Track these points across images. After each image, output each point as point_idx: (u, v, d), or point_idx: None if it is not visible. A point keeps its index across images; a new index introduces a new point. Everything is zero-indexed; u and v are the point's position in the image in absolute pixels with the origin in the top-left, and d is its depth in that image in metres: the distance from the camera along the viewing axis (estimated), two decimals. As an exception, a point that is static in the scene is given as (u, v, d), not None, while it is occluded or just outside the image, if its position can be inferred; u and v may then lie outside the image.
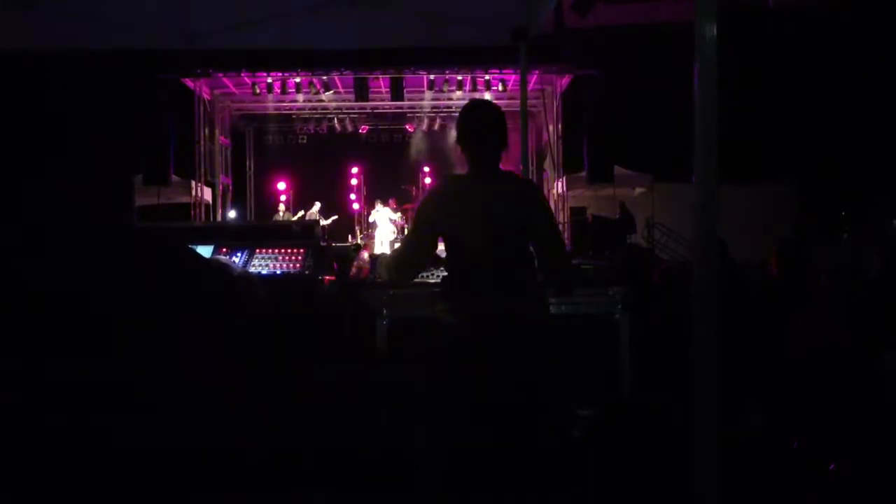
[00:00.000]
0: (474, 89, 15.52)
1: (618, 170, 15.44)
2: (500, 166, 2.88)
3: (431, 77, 15.40)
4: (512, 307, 2.69)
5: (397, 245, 2.93)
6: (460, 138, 2.87)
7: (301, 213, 16.23)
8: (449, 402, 2.72)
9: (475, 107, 2.97)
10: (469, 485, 2.67)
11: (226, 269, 3.23)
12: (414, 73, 15.39)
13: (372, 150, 18.38)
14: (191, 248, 2.12)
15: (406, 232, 3.13)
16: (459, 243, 2.79)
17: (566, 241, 15.09)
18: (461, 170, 2.94)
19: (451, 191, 2.89)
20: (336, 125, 17.91)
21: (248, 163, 18.96)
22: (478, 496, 2.67)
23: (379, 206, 15.27)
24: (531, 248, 2.87)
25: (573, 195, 16.05)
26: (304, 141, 18.64)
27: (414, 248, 2.85)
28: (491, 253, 2.72)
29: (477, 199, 2.76)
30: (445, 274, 2.93)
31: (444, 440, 2.71)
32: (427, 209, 2.84)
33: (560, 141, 15.94)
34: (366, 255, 4.47)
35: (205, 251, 3.65)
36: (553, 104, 16.05)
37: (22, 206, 1.84)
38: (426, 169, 16.85)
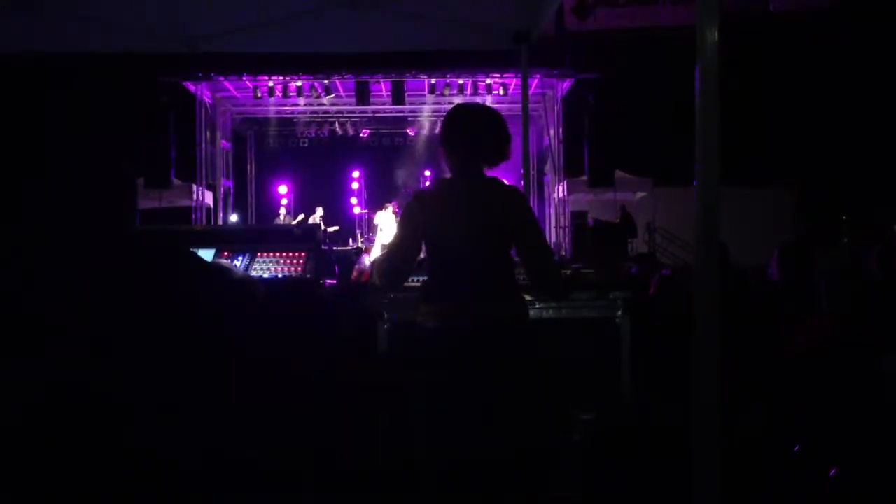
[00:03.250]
0: (475, 93, 15.53)
1: (618, 174, 15.46)
2: (498, 171, 2.87)
3: (433, 81, 15.43)
4: (492, 312, 2.68)
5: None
6: (445, 141, 2.83)
7: (301, 216, 16.24)
8: (430, 405, 2.71)
9: (463, 110, 2.93)
10: (454, 489, 2.67)
11: (227, 272, 3.23)
12: (415, 77, 15.41)
13: (373, 153, 18.40)
14: (192, 252, 2.12)
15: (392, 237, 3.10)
16: (440, 247, 2.77)
17: (568, 245, 15.14)
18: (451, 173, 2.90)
19: (434, 194, 2.86)
20: (337, 129, 17.94)
21: (249, 166, 19.00)
22: (464, 499, 2.67)
23: (389, 208, 15.20)
24: (514, 255, 2.86)
25: (574, 199, 16.05)
26: (305, 144, 18.67)
27: (398, 253, 2.82)
28: (472, 258, 2.71)
29: (459, 204, 2.74)
30: (425, 278, 2.91)
31: (430, 443, 2.71)
32: (410, 213, 2.80)
33: (561, 145, 15.95)
34: (367, 258, 4.47)
35: (206, 255, 3.65)
36: (554, 108, 16.07)
37: (24, 209, 1.85)
38: (427, 173, 16.85)
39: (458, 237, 2.71)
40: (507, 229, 2.75)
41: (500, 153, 2.84)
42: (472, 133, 2.80)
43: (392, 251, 2.87)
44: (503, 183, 2.86)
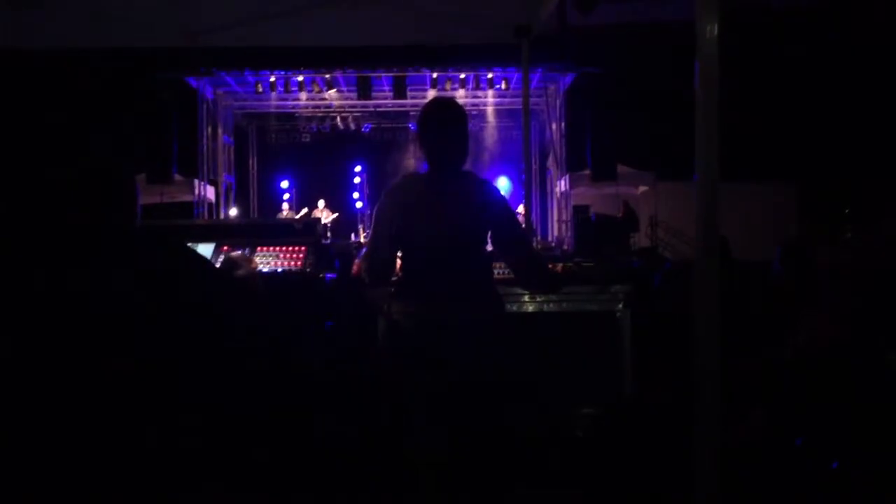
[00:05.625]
0: (477, 87, 15.51)
1: (621, 168, 15.41)
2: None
3: (434, 75, 15.40)
4: (465, 310, 2.66)
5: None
6: (421, 136, 2.83)
7: (304, 210, 16.27)
8: (407, 403, 2.71)
9: (438, 105, 2.92)
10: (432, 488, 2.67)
11: (227, 267, 3.23)
12: (417, 72, 15.38)
13: (375, 148, 18.38)
14: (190, 247, 2.12)
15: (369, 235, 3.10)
16: (413, 244, 2.76)
17: (570, 239, 15.11)
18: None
19: (406, 190, 2.84)
20: (339, 123, 17.92)
21: (250, 161, 18.99)
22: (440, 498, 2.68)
23: None
24: (490, 250, 2.86)
25: (576, 193, 16.01)
26: (307, 139, 18.65)
27: (377, 252, 2.81)
28: (445, 255, 2.69)
29: (432, 200, 2.73)
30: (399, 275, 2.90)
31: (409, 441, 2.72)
32: (383, 210, 2.80)
33: (563, 139, 15.91)
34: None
35: (206, 249, 3.65)
36: (556, 102, 16.03)
37: (25, 206, 1.84)
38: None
39: (430, 234, 2.70)
40: (482, 225, 2.75)
41: (468, 148, 2.84)
42: (449, 128, 2.79)
43: (370, 251, 2.86)
44: (477, 177, 2.85)
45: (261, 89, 15.81)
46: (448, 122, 2.81)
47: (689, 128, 2.40)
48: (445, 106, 2.90)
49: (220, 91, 16.77)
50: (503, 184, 15.47)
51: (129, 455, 1.75)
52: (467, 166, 2.87)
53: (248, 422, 2.07)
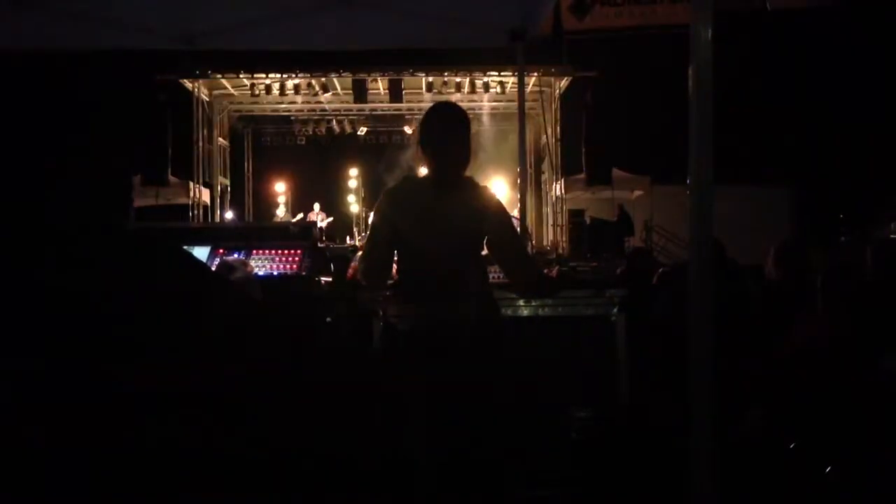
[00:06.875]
0: (473, 91, 15.53)
1: (616, 172, 15.46)
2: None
3: (430, 79, 15.42)
4: (463, 313, 2.66)
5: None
6: (422, 141, 2.81)
7: (300, 215, 16.26)
8: (407, 404, 2.71)
9: (441, 109, 2.92)
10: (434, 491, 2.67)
11: (223, 270, 3.23)
12: (412, 75, 15.41)
13: (370, 151, 18.38)
14: (186, 250, 2.12)
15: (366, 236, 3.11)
16: (412, 247, 2.76)
17: (565, 243, 15.15)
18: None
19: (405, 193, 2.84)
20: (335, 127, 17.92)
21: (246, 164, 18.98)
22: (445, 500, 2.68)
23: None
24: (486, 255, 2.86)
25: (571, 197, 16.06)
26: (303, 142, 18.65)
27: (375, 253, 2.81)
28: (443, 258, 2.69)
29: (431, 204, 2.73)
30: (396, 278, 2.90)
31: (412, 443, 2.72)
32: (382, 211, 2.80)
33: (558, 143, 15.95)
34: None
35: (201, 252, 3.64)
36: (551, 106, 16.06)
37: (26, 206, 1.85)
38: (423, 171, 16.84)
39: (429, 238, 2.70)
40: (479, 230, 2.75)
41: (470, 154, 2.83)
42: (452, 133, 2.79)
43: (367, 252, 2.86)
44: (477, 184, 2.85)
45: (256, 92, 15.81)
46: (451, 126, 2.80)
47: (683, 132, 2.41)
48: (449, 110, 2.90)
49: (215, 93, 16.78)
50: (498, 188, 15.49)
51: (128, 456, 1.75)
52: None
53: (247, 423, 2.07)
